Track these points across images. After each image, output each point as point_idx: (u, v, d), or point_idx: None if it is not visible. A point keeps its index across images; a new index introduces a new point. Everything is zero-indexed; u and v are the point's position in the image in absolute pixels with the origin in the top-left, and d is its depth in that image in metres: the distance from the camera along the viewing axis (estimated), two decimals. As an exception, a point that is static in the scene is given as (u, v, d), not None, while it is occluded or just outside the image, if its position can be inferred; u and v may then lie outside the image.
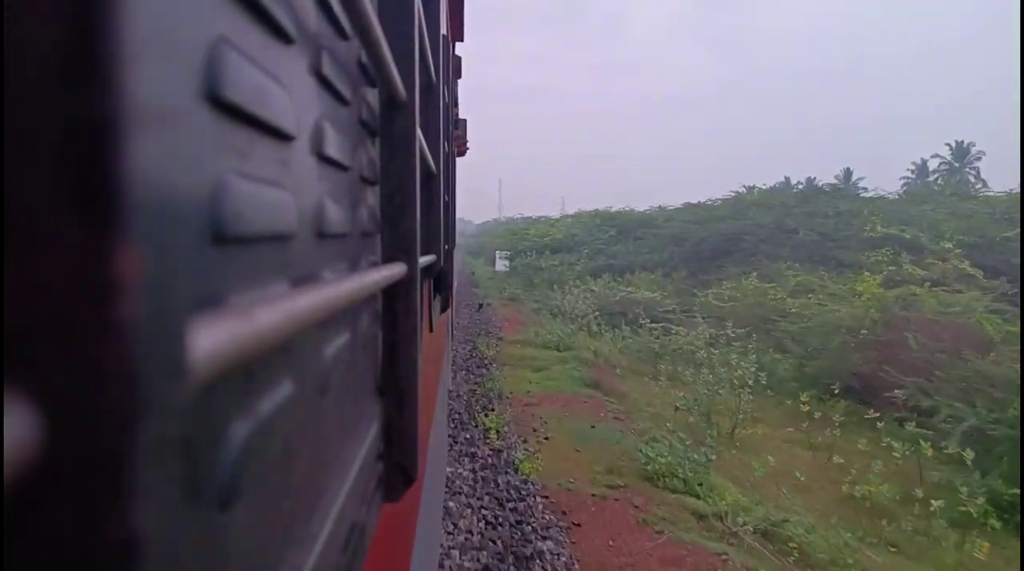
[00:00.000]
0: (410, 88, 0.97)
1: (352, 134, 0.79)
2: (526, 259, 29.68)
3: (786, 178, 56.98)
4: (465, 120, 6.40)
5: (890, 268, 14.02)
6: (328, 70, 0.63)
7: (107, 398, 0.20)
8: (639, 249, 25.78)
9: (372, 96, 0.97)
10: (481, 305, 18.67)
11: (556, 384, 9.83)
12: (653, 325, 13.72)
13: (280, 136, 0.47)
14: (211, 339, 0.22)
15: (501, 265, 33.29)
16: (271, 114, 0.44)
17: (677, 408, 8.59)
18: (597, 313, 16.27)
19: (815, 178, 44.26)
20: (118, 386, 0.21)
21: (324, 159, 0.62)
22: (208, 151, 0.34)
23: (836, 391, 9.40)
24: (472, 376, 10.12)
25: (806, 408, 8.34)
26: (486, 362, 11.25)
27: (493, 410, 8.09)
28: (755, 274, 16.92)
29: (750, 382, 8.84)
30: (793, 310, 13.79)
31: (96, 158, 0.20)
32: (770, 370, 10.36)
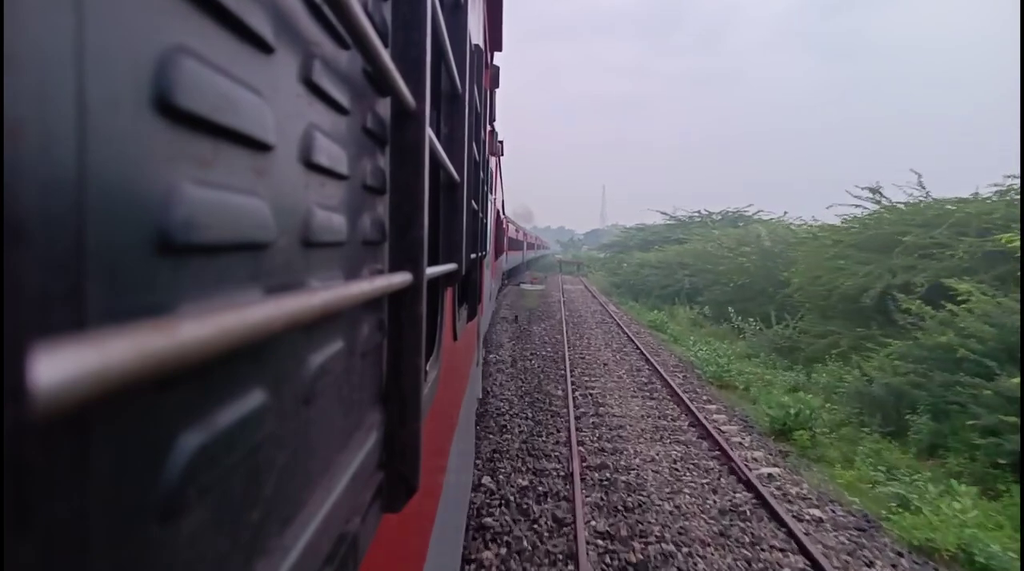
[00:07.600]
0: (420, 98, 0.97)
1: (353, 143, 0.79)
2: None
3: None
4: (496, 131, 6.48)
5: None
6: (321, 79, 0.63)
7: None
8: None
9: (383, 106, 0.97)
10: None
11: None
12: None
13: (253, 144, 0.46)
14: (64, 361, 0.22)
15: None
16: (241, 122, 0.44)
17: None
18: None
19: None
20: None
21: (314, 168, 0.62)
22: (154, 159, 0.34)
23: None
24: None
25: None
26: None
27: None
28: None
29: None
30: None
31: None
32: None
